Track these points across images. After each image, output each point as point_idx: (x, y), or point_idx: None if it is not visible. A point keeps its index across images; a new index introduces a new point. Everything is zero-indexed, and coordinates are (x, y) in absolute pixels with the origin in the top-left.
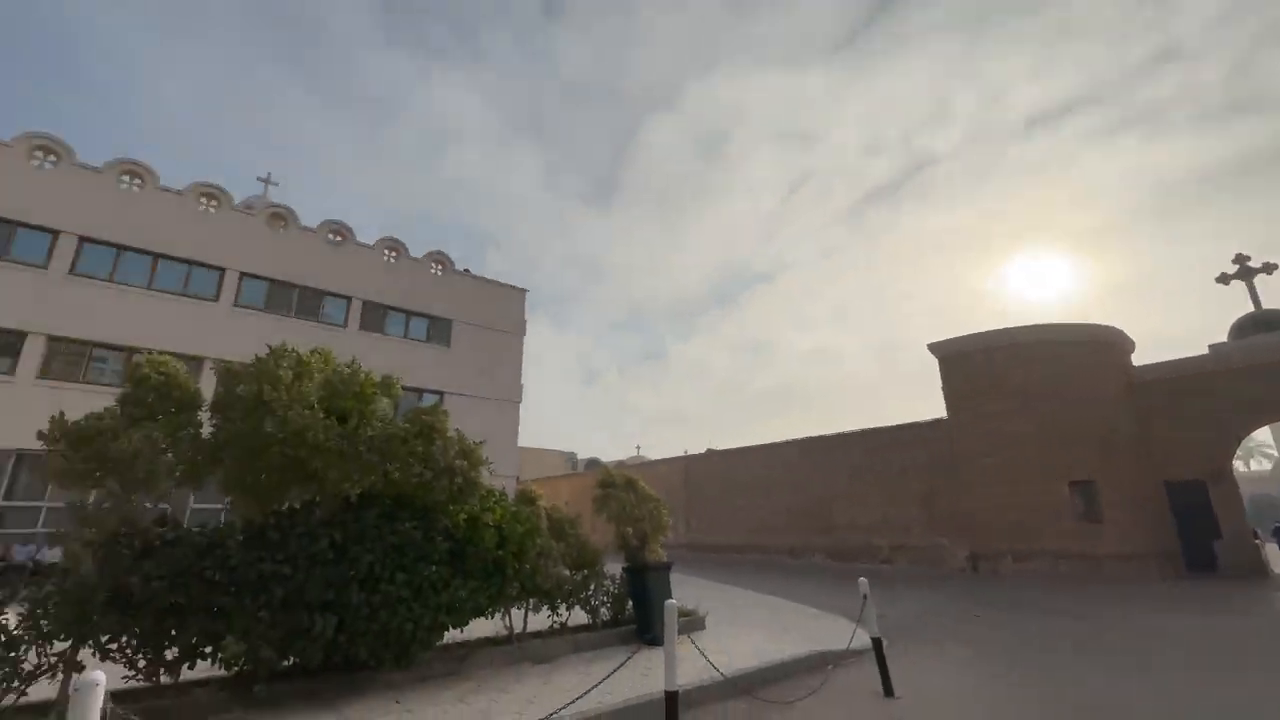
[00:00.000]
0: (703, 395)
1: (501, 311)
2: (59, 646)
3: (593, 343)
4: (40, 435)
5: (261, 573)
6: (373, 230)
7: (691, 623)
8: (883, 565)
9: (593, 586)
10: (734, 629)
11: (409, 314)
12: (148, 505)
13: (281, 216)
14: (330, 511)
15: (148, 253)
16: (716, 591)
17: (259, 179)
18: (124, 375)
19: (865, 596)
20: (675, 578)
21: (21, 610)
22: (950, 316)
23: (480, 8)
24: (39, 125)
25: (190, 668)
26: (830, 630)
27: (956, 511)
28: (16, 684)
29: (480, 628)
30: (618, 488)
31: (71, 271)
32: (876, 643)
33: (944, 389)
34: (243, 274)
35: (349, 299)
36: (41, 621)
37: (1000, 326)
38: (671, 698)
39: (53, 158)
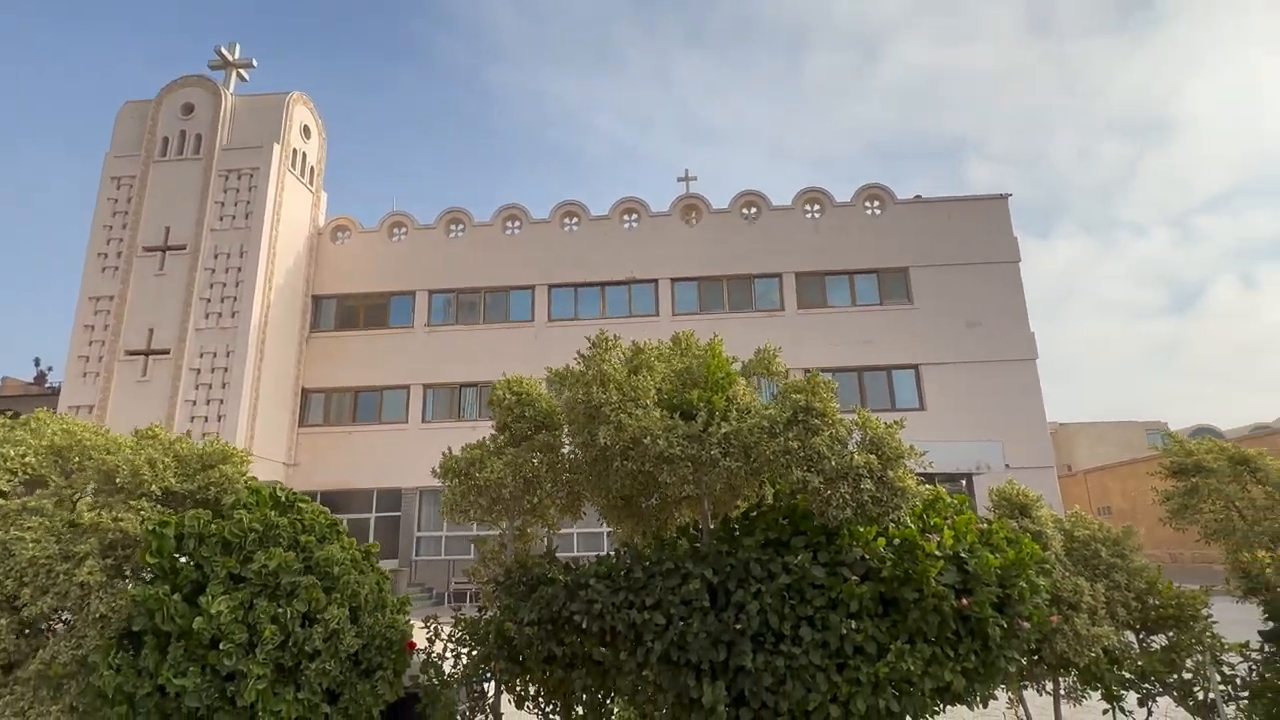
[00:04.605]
0: None
1: (975, 236)
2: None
3: (1172, 241)
4: (434, 472)
5: (632, 621)
6: (837, 188)
7: None
8: None
9: (1190, 663)
10: None
11: (851, 274)
12: (545, 539)
13: (693, 207)
14: (707, 539)
15: (595, 284)
16: None
17: (678, 179)
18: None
19: None
20: None
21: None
22: None
23: None
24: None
25: None
26: None
27: None
28: None
29: (965, 718)
30: (1215, 474)
31: (550, 320)
32: None
33: None
34: (673, 280)
35: (778, 276)
36: (460, 662)
37: None
38: None
39: (517, 222)
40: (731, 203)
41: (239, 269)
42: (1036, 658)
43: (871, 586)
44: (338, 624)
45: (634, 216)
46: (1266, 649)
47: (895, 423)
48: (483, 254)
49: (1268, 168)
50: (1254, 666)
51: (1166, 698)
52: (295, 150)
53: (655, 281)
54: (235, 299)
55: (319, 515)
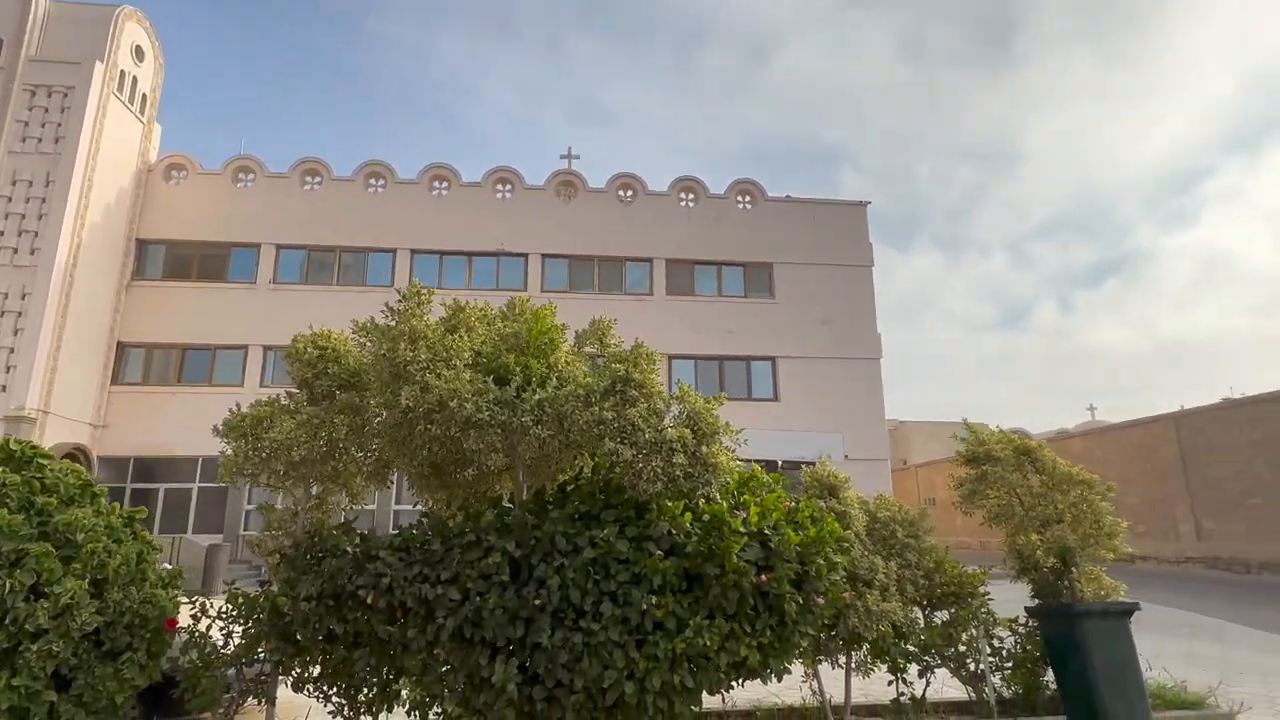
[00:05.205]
0: (1222, 313)
1: (835, 239)
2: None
3: (1007, 263)
4: (215, 430)
5: (423, 596)
6: (714, 182)
7: None
8: None
9: (965, 637)
10: None
11: (719, 265)
12: (346, 508)
13: (569, 184)
14: (520, 512)
15: (463, 253)
16: (1265, 654)
17: (561, 156)
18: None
19: None
20: (1165, 617)
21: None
22: None
23: None
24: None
25: (389, 710)
26: None
27: None
28: (221, 711)
29: (772, 691)
30: (1001, 463)
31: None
32: None
33: None
34: (544, 256)
35: (649, 261)
36: (230, 641)
37: None
38: None
39: (381, 181)
40: (608, 184)
41: (43, 200)
42: (833, 633)
43: (676, 562)
44: (72, 598)
45: (508, 187)
46: (1030, 624)
47: (714, 398)
48: (341, 211)
49: (1086, 206)
50: (1018, 640)
51: (944, 669)
52: (124, 73)
53: (525, 256)
54: (37, 234)
55: (67, 474)
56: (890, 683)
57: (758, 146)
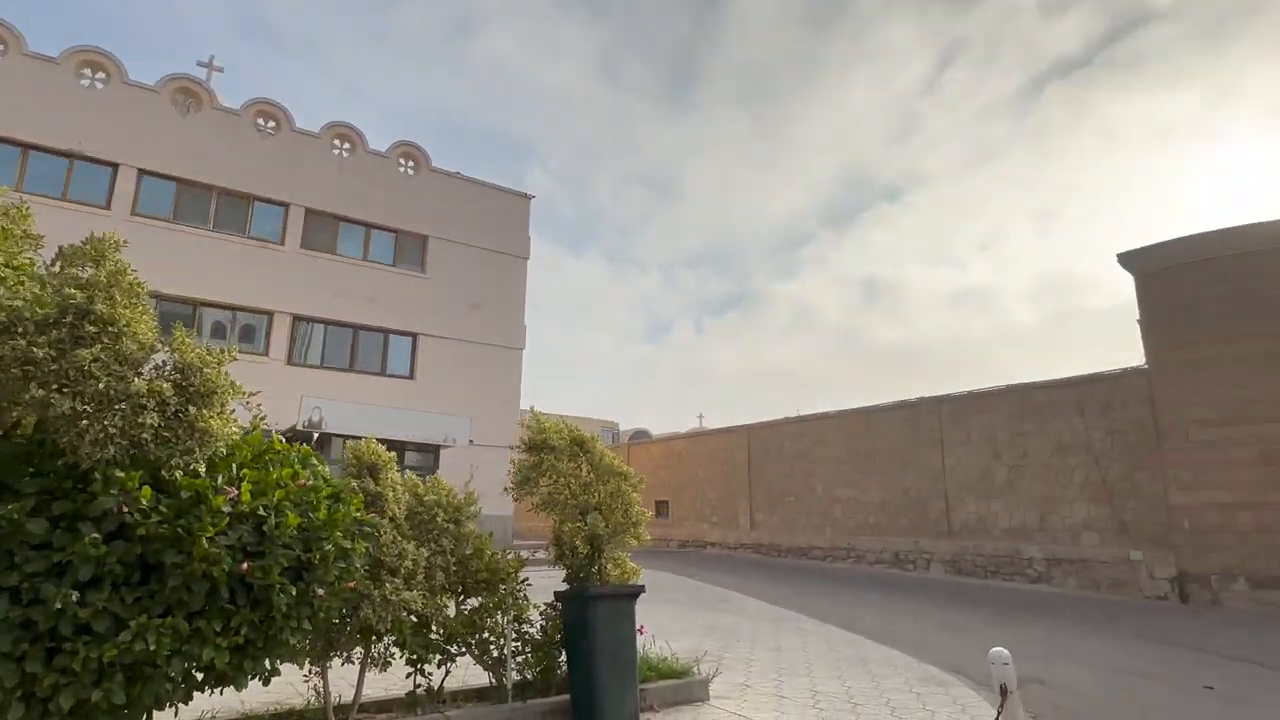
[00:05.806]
0: (806, 351)
1: (496, 225)
2: None
3: (659, 284)
4: None
5: None
6: (382, 140)
7: (683, 689)
8: (1035, 585)
9: (491, 624)
10: (767, 700)
11: (369, 227)
12: None
13: (192, 93)
14: None
15: (15, 142)
16: (760, 622)
17: (200, 63)
18: None
19: (1005, 689)
20: (709, 594)
21: None
22: (1155, 237)
23: None
24: None
25: None
26: (949, 714)
27: (1156, 510)
28: None
29: (299, 691)
30: (555, 452)
31: None
32: None
33: (1144, 324)
34: (141, 171)
35: (286, 206)
36: None
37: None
38: None
39: None
40: (245, 106)
41: None
42: (347, 625)
43: (126, 547)
44: None
45: (101, 75)
46: (557, 608)
47: (222, 351)
48: None
49: (723, 247)
50: (545, 624)
51: (469, 657)
52: None
53: (115, 166)
54: None
55: None
56: (409, 675)
57: (449, 122)
